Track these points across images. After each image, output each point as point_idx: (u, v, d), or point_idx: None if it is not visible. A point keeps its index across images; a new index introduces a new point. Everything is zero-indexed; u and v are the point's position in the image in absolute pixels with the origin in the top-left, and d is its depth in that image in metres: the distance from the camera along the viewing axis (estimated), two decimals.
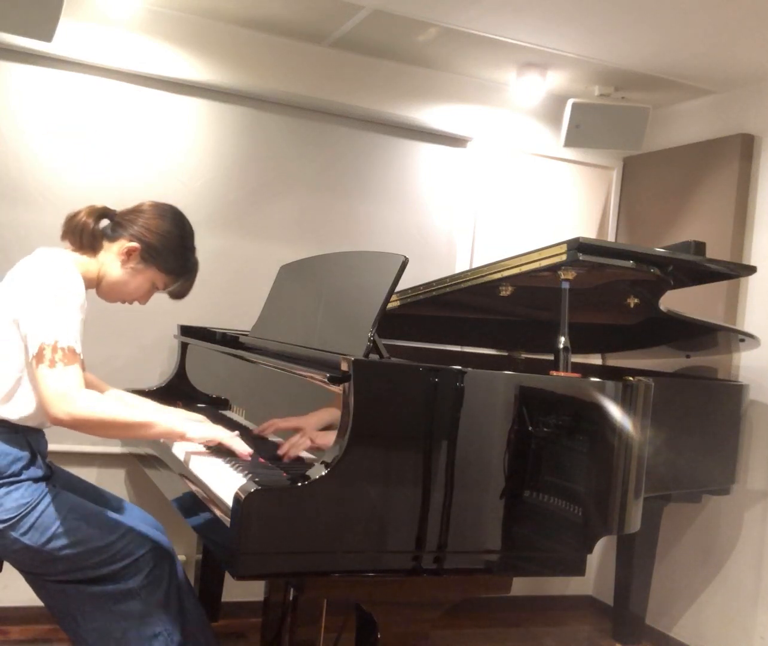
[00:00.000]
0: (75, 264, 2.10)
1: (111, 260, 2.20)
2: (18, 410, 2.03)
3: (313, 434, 2.17)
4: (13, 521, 1.98)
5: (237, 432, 2.18)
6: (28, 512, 1.99)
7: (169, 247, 2.22)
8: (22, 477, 2.02)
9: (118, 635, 2.03)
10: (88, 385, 2.46)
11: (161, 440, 2.47)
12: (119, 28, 3.28)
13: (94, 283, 2.22)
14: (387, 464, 1.83)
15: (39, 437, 2.12)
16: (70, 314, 1.98)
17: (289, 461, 2.10)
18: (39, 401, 2.01)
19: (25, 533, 1.98)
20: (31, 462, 2.05)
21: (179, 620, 2.09)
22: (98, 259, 2.20)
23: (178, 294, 2.34)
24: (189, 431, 2.09)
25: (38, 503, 2.00)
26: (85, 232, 2.17)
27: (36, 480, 2.04)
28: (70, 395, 1.90)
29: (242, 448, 2.09)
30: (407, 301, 2.86)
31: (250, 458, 2.08)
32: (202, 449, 2.26)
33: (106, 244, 2.21)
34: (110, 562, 2.03)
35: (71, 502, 2.08)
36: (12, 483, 2.00)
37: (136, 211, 2.23)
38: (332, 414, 1.95)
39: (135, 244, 2.18)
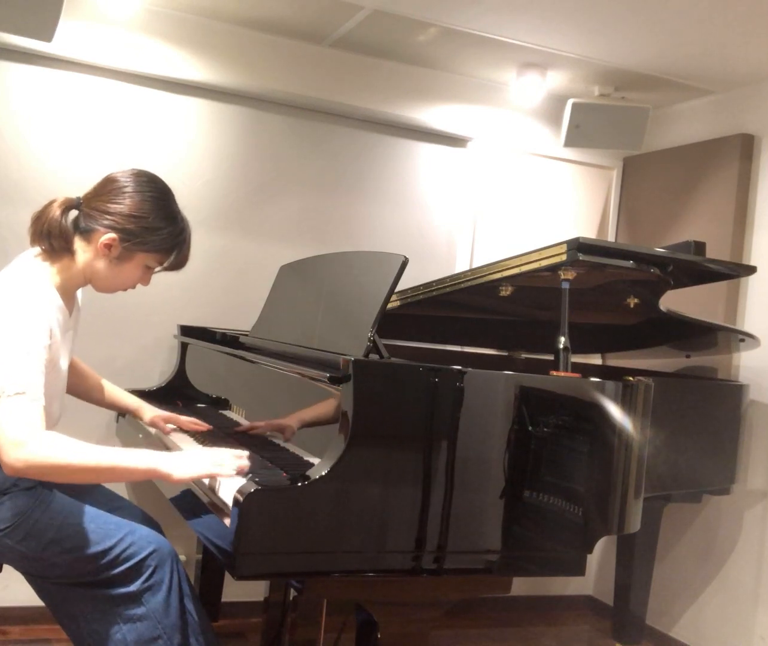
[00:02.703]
0: (52, 279, 1.97)
1: (92, 257, 1.99)
2: None
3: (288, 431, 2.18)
4: (8, 529, 1.94)
5: (231, 456, 1.93)
6: (24, 520, 1.95)
7: (150, 227, 1.98)
8: (18, 487, 1.97)
9: (118, 638, 2.02)
10: (79, 375, 2.46)
11: (160, 439, 2.47)
12: (119, 28, 3.28)
13: (83, 283, 2.07)
14: (387, 464, 1.83)
15: None
16: (24, 355, 1.80)
17: (286, 460, 2.10)
18: None
19: (21, 541, 1.95)
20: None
21: (180, 623, 2.07)
22: (77, 260, 2.00)
23: (176, 265, 2.08)
24: (176, 472, 1.84)
25: (33, 510, 1.96)
26: (53, 234, 1.95)
27: (31, 488, 2.00)
28: (22, 440, 1.73)
29: (236, 468, 1.90)
30: (407, 301, 2.86)
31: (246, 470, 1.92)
32: (200, 446, 2.27)
33: (81, 241, 1.99)
34: (110, 567, 2.00)
35: (68, 507, 2.04)
36: (5, 493, 1.96)
37: (104, 193, 1.99)
38: (317, 412, 1.93)
39: (112, 235, 1.95)
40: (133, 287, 2.11)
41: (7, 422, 1.75)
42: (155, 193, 2.03)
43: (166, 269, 2.10)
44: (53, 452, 1.77)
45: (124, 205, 1.97)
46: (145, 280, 2.10)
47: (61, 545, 1.97)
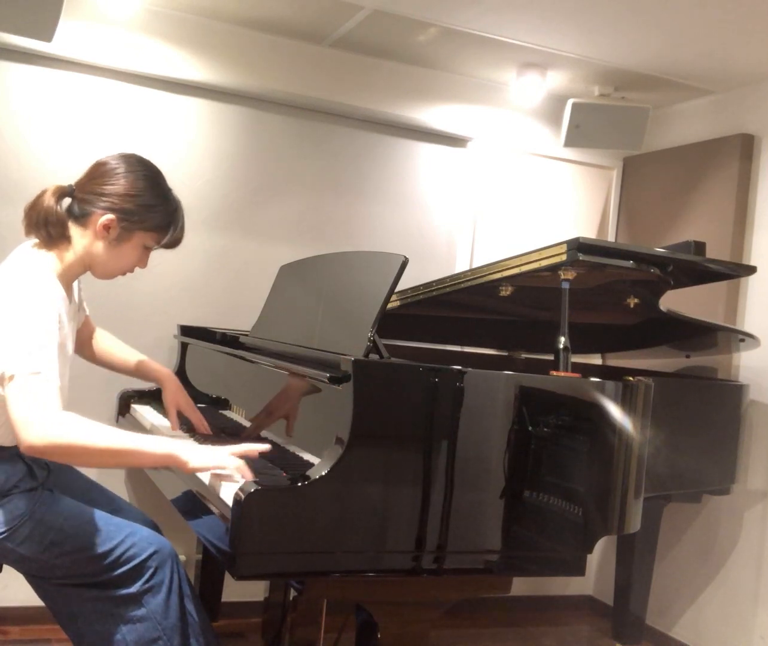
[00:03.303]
0: (52, 268, 1.96)
1: (90, 242, 2.00)
2: (2, 434, 1.97)
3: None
4: (9, 532, 1.94)
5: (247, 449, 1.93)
6: (24, 523, 1.95)
7: (146, 205, 2.00)
8: (18, 489, 1.98)
9: (119, 639, 2.02)
10: (108, 344, 2.52)
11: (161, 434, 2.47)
12: (119, 28, 3.28)
13: (83, 271, 2.07)
14: (387, 464, 1.83)
15: None
16: (37, 337, 1.81)
17: (286, 460, 2.10)
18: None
19: (21, 544, 1.95)
20: (28, 474, 2.01)
21: (180, 624, 2.07)
22: (74, 247, 2.00)
23: (173, 244, 2.11)
24: (192, 460, 1.86)
25: (33, 513, 1.97)
26: (50, 222, 1.95)
27: (31, 490, 2.01)
28: (41, 419, 1.75)
29: (248, 473, 1.86)
30: (407, 301, 2.86)
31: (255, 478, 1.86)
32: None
33: (77, 228, 2.00)
34: (110, 568, 2.00)
35: (69, 509, 2.04)
36: (6, 495, 1.96)
37: (97, 177, 2.01)
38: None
39: (110, 216, 1.97)
40: (132, 271, 2.12)
41: (26, 401, 1.76)
42: (147, 172, 2.05)
43: (164, 247, 2.11)
44: (72, 432, 1.78)
45: (119, 185, 1.99)
46: (143, 262, 2.11)
47: (61, 546, 1.98)
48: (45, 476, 2.11)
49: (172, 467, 1.95)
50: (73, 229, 2.02)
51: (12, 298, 1.87)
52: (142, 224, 2.02)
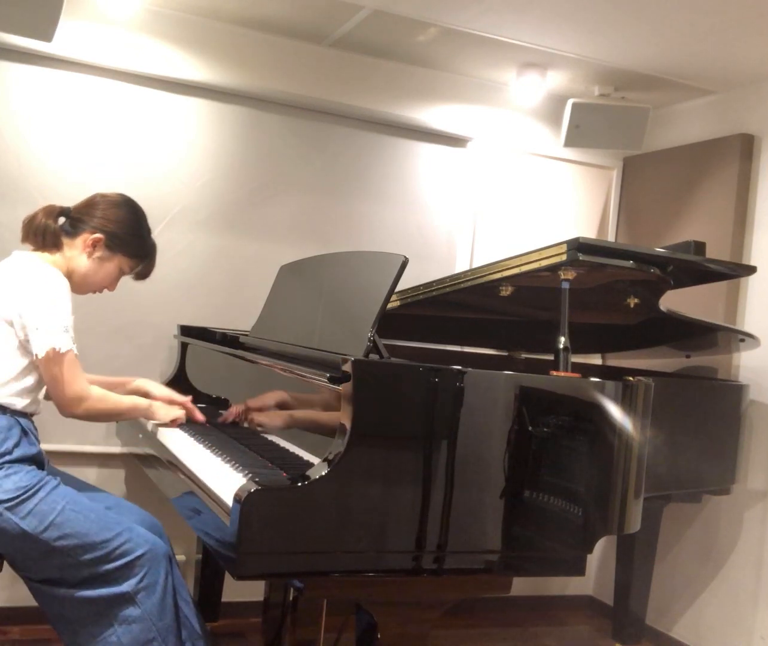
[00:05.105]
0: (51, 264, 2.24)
1: (77, 254, 2.31)
2: (7, 392, 2.13)
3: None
4: (13, 502, 2.02)
5: (189, 397, 2.56)
6: (28, 497, 2.04)
7: (129, 233, 2.35)
8: (15, 456, 2.08)
9: (113, 640, 2.04)
10: None
11: (160, 441, 2.48)
12: (119, 28, 3.28)
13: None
14: (387, 463, 1.83)
15: (27, 419, 2.20)
16: (67, 317, 2.14)
17: (286, 460, 2.10)
18: (34, 396, 2.19)
19: (24, 518, 2.02)
20: (22, 438, 2.12)
21: (174, 626, 2.09)
22: (64, 255, 2.30)
23: (143, 275, 2.45)
24: (156, 414, 2.45)
25: (38, 490, 2.06)
26: (47, 233, 2.27)
27: (36, 464, 2.13)
28: (84, 395, 2.17)
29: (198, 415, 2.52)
30: (407, 301, 2.86)
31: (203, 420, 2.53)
32: (201, 446, 2.28)
33: (68, 241, 2.31)
34: (105, 561, 2.05)
35: (71, 495, 2.12)
36: (11, 463, 2.07)
37: (90, 205, 2.34)
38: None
39: (99, 235, 2.30)
40: (101, 291, 2.42)
41: (69, 379, 2.13)
42: (135, 209, 2.40)
43: (136, 276, 2.45)
44: (102, 403, 2.25)
45: (110, 212, 2.33)
46: (113, 286, 2.42)
47: (60, 528, 2.04)
48: (44, 459, 2.23)
49: (146, 417, 2.49)
50: (65, 241, 2.31)
51: (39, 284, 2.14)
52: (124, 249, 2.35)
